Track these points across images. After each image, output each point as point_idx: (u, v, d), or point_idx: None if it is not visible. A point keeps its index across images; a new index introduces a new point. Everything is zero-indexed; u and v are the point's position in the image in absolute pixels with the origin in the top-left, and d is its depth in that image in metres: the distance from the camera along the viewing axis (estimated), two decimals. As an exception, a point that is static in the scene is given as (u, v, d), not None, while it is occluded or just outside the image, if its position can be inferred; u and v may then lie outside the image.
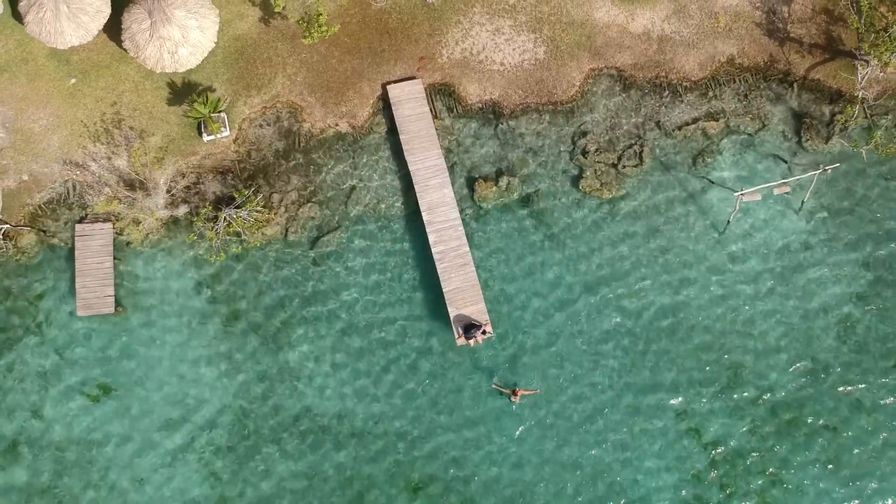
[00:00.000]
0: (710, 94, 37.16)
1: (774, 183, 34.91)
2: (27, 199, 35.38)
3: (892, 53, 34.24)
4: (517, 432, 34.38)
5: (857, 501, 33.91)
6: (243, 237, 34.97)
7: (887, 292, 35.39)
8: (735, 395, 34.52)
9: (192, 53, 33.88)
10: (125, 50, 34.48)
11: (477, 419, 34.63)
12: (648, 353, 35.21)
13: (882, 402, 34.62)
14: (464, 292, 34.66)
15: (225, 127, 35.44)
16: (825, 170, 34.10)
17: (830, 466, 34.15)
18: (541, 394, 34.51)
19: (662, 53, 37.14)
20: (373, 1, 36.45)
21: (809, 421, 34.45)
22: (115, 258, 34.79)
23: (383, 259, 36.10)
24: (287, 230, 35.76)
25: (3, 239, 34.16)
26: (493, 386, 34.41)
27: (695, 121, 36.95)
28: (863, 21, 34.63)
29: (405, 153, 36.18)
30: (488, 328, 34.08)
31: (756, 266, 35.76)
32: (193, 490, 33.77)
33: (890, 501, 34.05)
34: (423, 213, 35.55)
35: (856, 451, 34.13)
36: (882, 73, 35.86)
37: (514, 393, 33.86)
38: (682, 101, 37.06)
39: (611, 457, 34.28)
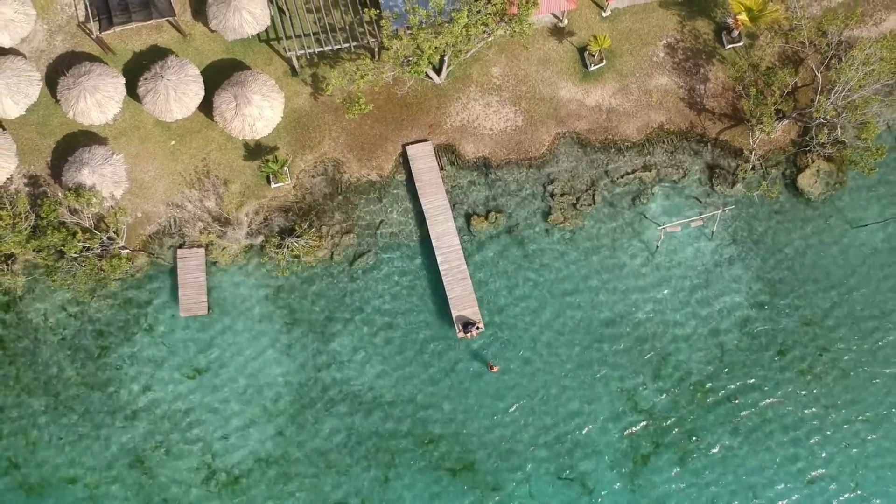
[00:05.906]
0: (645, 151, 42.13)
1: (691, 218, 40.80)
2: (141, 230, 41.09)
3: (772, 125, 40.34)
4: (502, 403, 40.49)
5: (749, 450, 40.35)
6: (301, 259, 40.80)
7: (776, 299, 41.37)
8: (662, 374, 40.78)
9: (265, 125, 40.36)
10: (214, 121, 40.87)
11: (472, 390, 40.60)
12: (596, 342, 41.01)
13: (771, 381, 40.60)
14: (463, 299, 40.00)
15: (287, 177, 41.49)
16: (724, 209, 40.43)
17: (732, 427, 40.37)
18: (498, 371, 39.94)
19: (610, 121, 42.26)
20: (396, 90, 42.17)
21: (719, 394, 40.51)
22: (206, 274, 40.61)
23: (403, 274, 41.28)
24: (332, 253, 41.13)
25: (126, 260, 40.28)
26: (489, 366, 39.93)
27: (633, 171, 41.92)
28: (751, 102, 41.01)
29: (419, 196, 40.88)
30: (481, 325, 40.07)
31: (677, 279, 41.59)
32: (264, 444, 39.87)
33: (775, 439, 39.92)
34: (433, 241, 40.42)
35: (752, 418, 40.48)
36: (767, 137, 41.71)
37: (491, 367, 40.13)
38: (624, 157, 42.10)
39: (567, 415, 40.50)
